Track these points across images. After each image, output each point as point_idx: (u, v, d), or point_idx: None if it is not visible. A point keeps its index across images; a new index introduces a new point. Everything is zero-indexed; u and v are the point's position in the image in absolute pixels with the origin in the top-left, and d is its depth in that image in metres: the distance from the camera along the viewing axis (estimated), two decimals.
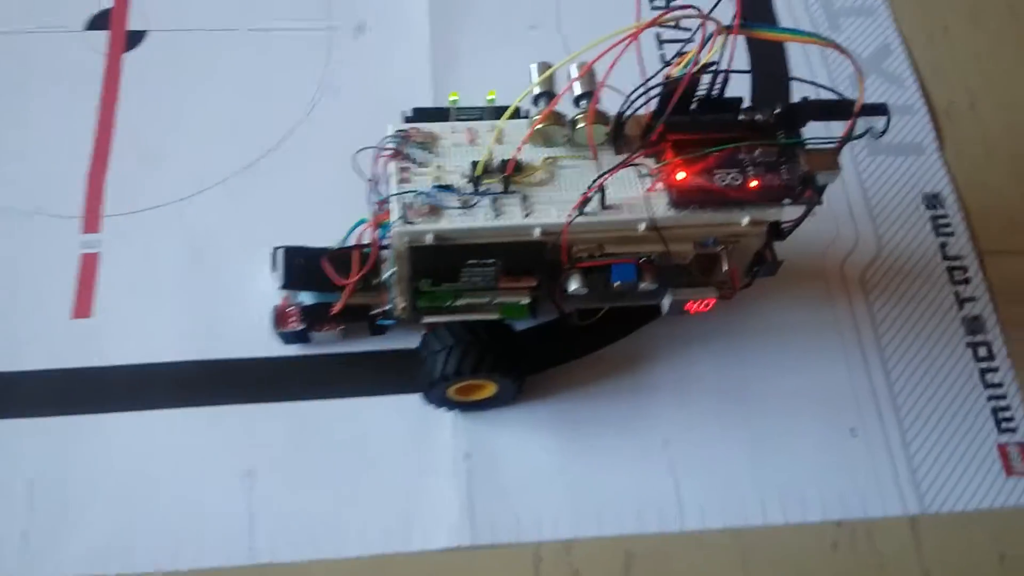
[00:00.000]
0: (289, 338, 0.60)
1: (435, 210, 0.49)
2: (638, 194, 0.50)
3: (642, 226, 0.50)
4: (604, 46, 0.44)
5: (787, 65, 0.78)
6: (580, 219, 0.50)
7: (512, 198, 0.50)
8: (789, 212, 0.54)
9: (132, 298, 0.64)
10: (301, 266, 0.58)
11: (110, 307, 0.63)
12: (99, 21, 0.75)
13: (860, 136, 0.52)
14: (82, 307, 0.63)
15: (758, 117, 0.52)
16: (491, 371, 0.55)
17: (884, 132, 0.52)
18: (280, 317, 0.59)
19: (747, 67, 0.76)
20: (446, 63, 0.75)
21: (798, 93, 0.52)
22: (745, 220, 0.51)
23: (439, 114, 0.53)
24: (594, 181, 0.49)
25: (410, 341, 0.60)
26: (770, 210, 0.51)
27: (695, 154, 0.51)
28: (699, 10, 0.44)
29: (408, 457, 0.60)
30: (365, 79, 0.74)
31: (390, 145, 0.51)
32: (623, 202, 0.50)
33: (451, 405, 0.59)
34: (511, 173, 0.49)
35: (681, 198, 0.50)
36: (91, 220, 0.66)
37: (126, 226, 0.66)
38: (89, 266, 0.64)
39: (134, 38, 0.75)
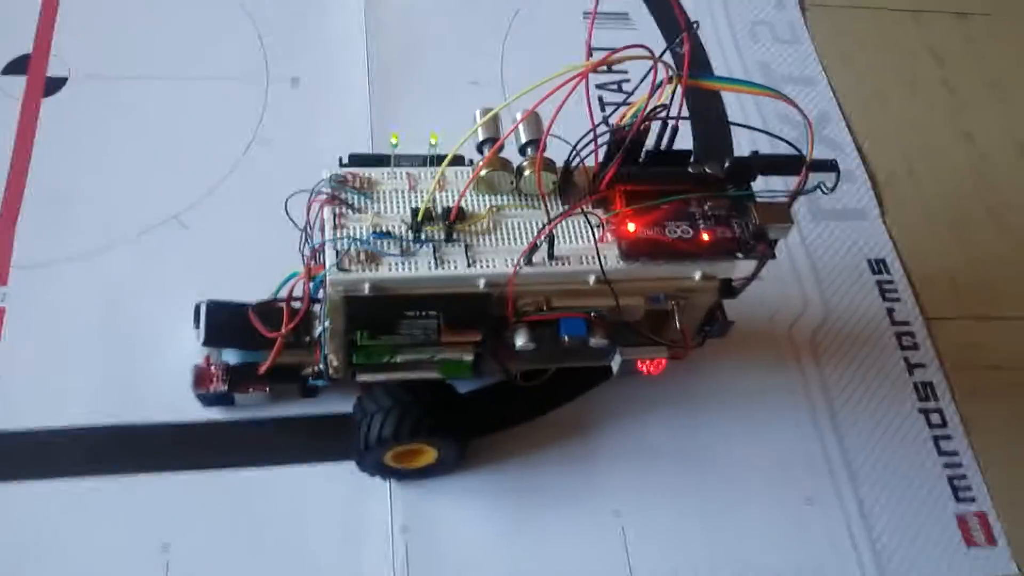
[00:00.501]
0: (211, 400, 0.56)
1: (373, 257, 0.46)
2: (587, 245, 0.48)
3: (592, 278, 0.48)
4: (551, 86, 0.42)
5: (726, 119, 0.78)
6: (527, 270, 0.47)
7: (455, 247, 0.47)
8: (741, 268, 0.52)
9: (38, 356, 0.59)
10: (225, 321, 0.54)
11: (14, 365, 0.58)
12: (16, 66, 0.72)
13: (811, 191, 0.51)
14: None
15: (707, 170, 0.51)
16: (431, 435, 0.51)
17: (834, 188, 0.51)
18: (201, 377, 0.55)
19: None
20: (385, 116, 0.74)
21: (746, 145, 0.51)
22: (697, 275, 0.49)
23: (378, 160, 0.51)
24: (543, 228, 0.46)
25: (343, 405, 0.56)
26: (723, 264, 0.50)
27: (646, 204, 0.49)
28: (651, 51, 0.43)
29: (341, 531, 0.55)
30: (300, 131, 0.72)
31: (325, 189, 0.48)
32: (572, 253, 0.48)
33: (388, 473, 0.55)
34: (454, 220, 0.47)
35: (632, 250, 0.48)
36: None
37: (35, 279, 0.61)
38: None
39: (54, 84, 0.72)
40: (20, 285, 0.61)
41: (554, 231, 0.47)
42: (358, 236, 0.46)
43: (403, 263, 0.46)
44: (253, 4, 0.79)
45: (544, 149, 0.47)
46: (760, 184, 0.52)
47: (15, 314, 0.60)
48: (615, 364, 0.54)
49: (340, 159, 0.51)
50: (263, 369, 0.54)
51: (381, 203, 0.48)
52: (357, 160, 0.51)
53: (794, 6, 0.90)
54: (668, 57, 0.45)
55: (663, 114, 0.47)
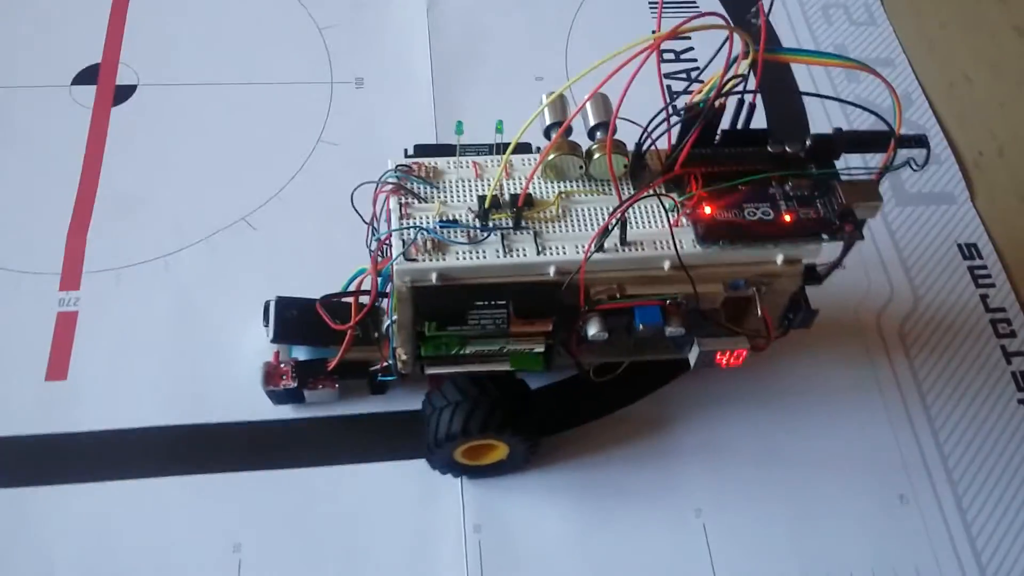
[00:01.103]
0: (281, 397, 0.55)
1: (440, 246, 0.45)
2: (662, 230, 0.46)
3: (667, 264, 0.46)
4: (620, 61, 0.40)
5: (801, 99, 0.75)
6: (599, 256, 0.45)
7: (524, 234, 0.46)
8: (826, 251, 0.49)
9: (111, 359, 0.59)
10: (294, 318, 0.53)
11: (87, 368, 0.58)
12: (86, 75, 0.73)
13: (899, 167, 0.48)
14: (56, 369, 0.58)
15: (788, 149, 0.48)
16: (501, 430, 0.50)
17: (925, 164, 0.48)
18: (271, 374, 0.54)
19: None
20: (450, 114, 0.73)
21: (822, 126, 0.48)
22: (779, 258, 0.47)
23: (443, 150, 0.50)
24: (615, 211, 0.45)
25: (414, 402, 0.55)
26: (807, 246, 0.47)
27: (722, 186, 0.47)
28: (727, 19, 0.41)
29: (413, 530, 0.54)
30: (365, 131, 0.72)
31: (391, 180, 0.47)
32: (645, 238, 0.46)
33: (458, 470, 0.54)
34: (522, 206, 0.45)
35: (709, 233, 0.46)
36: (70, 277, 0.62)
37: (107, 283, 0.62)
38: (66, 325, 0.60)
39: (123, 92, 0.73)
40: (92, 289, 0.62)
41: (626, 216, 0.46)
42: (424, 225, 0.45)
43: (471, 251, 0.45)
44: (315, 7, 0.79)
45: (614, 131, 0.45)
46: (841, 164, 0.49)
47: (88, 318, 0.60)
48: (693, 356, 0.51)
49: (405, 150, 0.50)
50: (332, 365, 0.53)
51: (447, 192, 0.47)
52: (422, 150, 0.50)
53: None
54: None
55: (740, 88, 0.45)
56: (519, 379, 0.53)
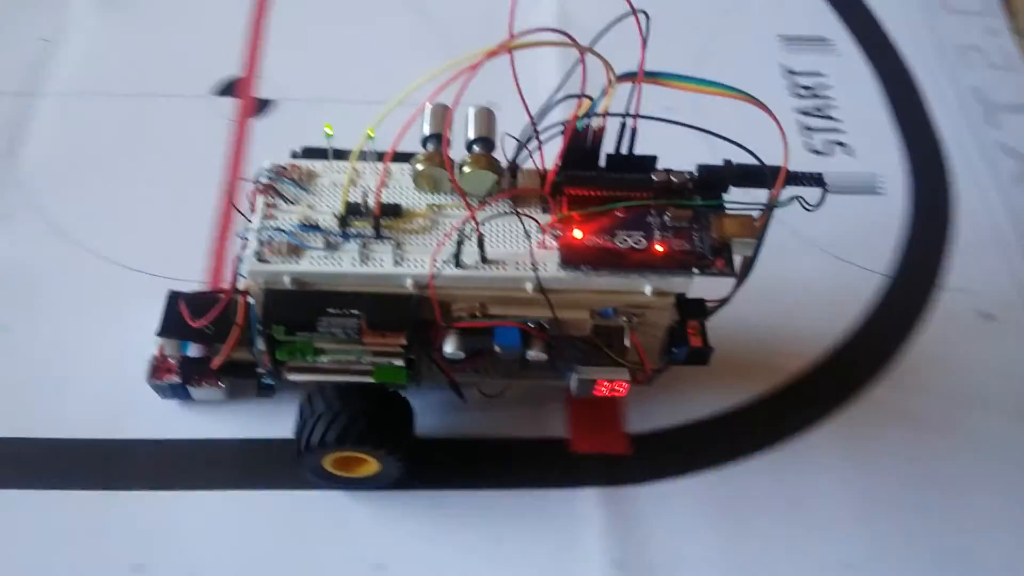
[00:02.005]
0: (166, 392, 0.55)
1: (296, 250, 0.45)
2: (525, 250, 0.45)
3: (529, 286, 0.45)
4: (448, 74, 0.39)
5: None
6: (456, 272, 0.44)
7: (384, 244, 0.45)
8: (703, 285, 0.48)
9: None
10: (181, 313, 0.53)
11: None
12: (228, 88, 0.75)
13: (785, 204, 0.46)
14: None
15: (673, 178, 0.47)
16: (361, 443, 0.49)
17: (819, 205, 0.46)
18: (155, 368, 0.54)
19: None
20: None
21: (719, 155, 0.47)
22: (648, 289, 0.45)
23: (335, 155, 0.49)
24: (452, 227, 0.44)
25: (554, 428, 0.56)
26: (675, 279, 0.45)
27: (592, 210, 0.46)
28: (569, 36, 0.39)
29: (549, 561, 0.53)
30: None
31: (263, 179, 0.47)
32: (509, 257, 0.45)
33: (331, 480, 0.53)
34: (379, 215, 0.45)
35: (571, 257, 0.45)
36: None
37: None
38: None
39: (262, 105, 0.74)
40: None
41: (483, 233, 0.45)
42: (283, 227, 0.45)
43: (327, 258, 0.45)
44: (447, 28, 0.79)
45: (448, 144, 0.45)
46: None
47: None
48: (572, 384, 0.50)
49: (293, 151, 0.50)
50: (215, 364, 0.53)
51: (318, 196, 0.47)
52: (309, 153, 0.50)
53: (1005, 32, 0.85)
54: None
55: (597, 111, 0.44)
56: (395, 393, 0.52)
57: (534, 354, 0.46)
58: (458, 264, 0.44)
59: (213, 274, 0.63)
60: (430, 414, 0.57)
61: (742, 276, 0.48)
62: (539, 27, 0.38)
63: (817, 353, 0.63)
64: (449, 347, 0.46)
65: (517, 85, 0.43)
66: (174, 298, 0.54)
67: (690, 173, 0.47)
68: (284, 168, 0.47)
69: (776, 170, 0.45)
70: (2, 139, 0.70)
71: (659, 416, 0.59)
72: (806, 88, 0.80)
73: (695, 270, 0.45)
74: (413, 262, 0.45)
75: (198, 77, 0.75)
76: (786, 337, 0.63)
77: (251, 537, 0.53)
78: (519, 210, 0.45)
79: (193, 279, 0.62)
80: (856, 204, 0.72)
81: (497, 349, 0.46)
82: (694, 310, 0.50)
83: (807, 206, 0.46)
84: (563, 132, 0.45)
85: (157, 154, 0.70)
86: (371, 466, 0.52)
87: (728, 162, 0.47)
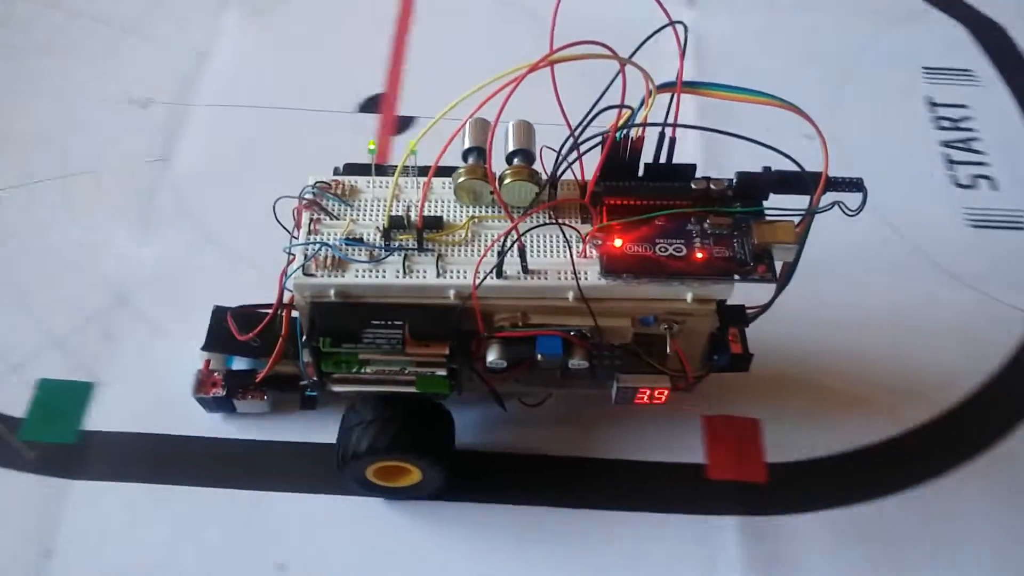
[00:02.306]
0: (211, 406, 0.56)
1: (340, 264, 0.45)
2: (567, 259, 0.45)
3: (570, 295, 0.45)
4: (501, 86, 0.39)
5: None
6: (498, 283, 0.45)
7: (426, 256, 0.46)
8: (753, 293, 0.48)
9: None
10: (227, 328, 0.54)
11: None
12: (370, 104, 0.77)
13: (826, 210, 0.46)
14: None
15: (712, 186, 0.47)
16: (405, 452, 0.50)
17: (859, 210, 0.46)
18: (201, 382, 0.55)
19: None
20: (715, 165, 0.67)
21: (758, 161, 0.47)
22: (689, 296, 0.46)
23: (377, 171, 0.50)
24: (497, 237, 0.44)
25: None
26: (716, 286, 0.45)
27: (633, 219, 0.46)
28: (611, 49, 0.40)
29: None
30: None
31: (307, 195, 0.48)
32: (550, 267, 0.45)
33: (373, 490, 0.54)
34: (422, 228, 0.45)
35: (613, 265, 0.45)
36: None
37: None
38: None
39: (403, 123, 0.75)
40: None
41: (528, 243, 0.45)
42: (327, 242, 0.46)
43: (371, 270, 0.45)
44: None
45: (491, 157, 0.45)
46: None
47: None
48: (613, 391, 0.50)
49: (336, 168, 0.51)
50: (260, 377, 0.54)
51: (361, 211, 0.48)
52: (350, 169, 0.51)
53: None
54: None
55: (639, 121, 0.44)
56: (438, 404, 0.52)
57: (576, 362, 0.47)
58: (500, 275, 0.45)
59: None
60: (559, 429, 0.58)
61: (783, 282, 0.48)
62: (581, 40, 0.39)
63: (965, 389, 0.62)
64: (491, 356, 0.46)
65: (558, 98, 0.43)
66: (220, 313, 0.55)
67: (729, 181, 0.47)
68: (328, 184, 0.48)
69: (815, 176, 0.45)
70: (159, 146, 0.73)
71: (799, 446, 0.58)
72: (949, 120, 0.79)
73: (736, 276, 0.45)
74: (455, 273, 0.45)
75: (342, 93, 0.77)
76: (932, 372, 0.62)
77: (387, 542, 0.54)
78: (559, 220, 0.46)
79: None
80: (1001, 239, 0.71)
81: (539, 358, 0.46)
82: (735, 317, 0.50)
83: (848, 211, 0.46)
84: (602, 143, 0.45)
85: (303, 166, 0.70)
86: (413, 476, 0.52)
87: (767, 169, 0.47)
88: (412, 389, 0.49)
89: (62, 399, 0.59)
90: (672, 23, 0.43)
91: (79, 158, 0.72)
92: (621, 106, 0.44)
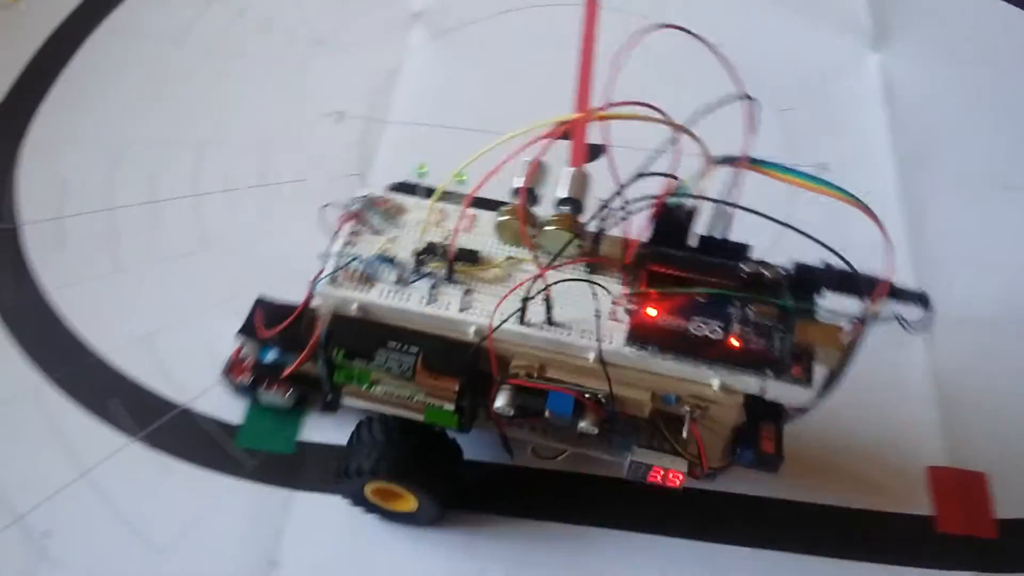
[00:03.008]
0: (236, 390, 0.57)
1: (368, 280, 0.45)
2: (594, 318, 0.44)
3: (591, 356, 0.43)
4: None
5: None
6: (519, 329, 0.44)
7: (454, 289, 0.45)
8: (787, 391, 0.45)
9: None
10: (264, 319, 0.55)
11: None
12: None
13: (882, 320, 0.42)
14: None
15: (765, 272, 0.44)
16: (393, 478, 0.49)
17: (924, 328, 0.43)
18: (231, 366, 0.56)
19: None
20: (917, 217, 0.70)
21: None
22: (716, 382, 0.43)
23: (425, 193, 0.50)
24: (531, 283, 0.43)
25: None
26: (746, 378, 0.43)
27: (675, 290, 0.44)
28: (664, 113, 0.38)
29: None
30: (830, 218, 0.68)
31: (354, 207, 0.48)
32: (575, 323, 0.44)
33: (370, 508, 0.53)
34: (453, 259, 0.45)
35: (639, 334, 0.43)
36: None
37: None
38: None
39: (594, 151, 0.74)
40: None
41: (559, 295, 0.44)
42: (361, 256, 0.45)
43: (396, 292, 0.45)
44: (771, 90, 0.76)
45: (537, 200, 0.44)
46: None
47: None
48: (625, 464, 0.48)
49: (390, 185, 0.51)
50: (286, 373, 0.54)
51: (402, 231, 0.47)
52: (403, 188, 0.50)
53: None
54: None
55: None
56: (449, 438, 0.51)
57: (585, 426, 0.45)
58: (523, 321, 0.44)
59: None
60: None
61: (826, 388, 0.45)
62: (634, 101, 0.37)
63: None
64: (500, 401, 0.45)
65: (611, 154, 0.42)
66: (258, 304, 0.55)
67: (785, 269, 0.45)
68: (376, 199, 0.48)
69: (875, 281, 0.42)
70: (356, 160, 0.74)
71: None
72: None
73: (769, 372, 0.42)
74: (479, 311, 0.44)
75: (530, 117, 0.74)
76: None
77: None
78: (593, 277, 0.44)
79: None
80: None
81: (547, 414, 0.44)
82: (769, 413, 0.47)
83: (907, 327, 0.43)
84: (653, 206, 0.43)
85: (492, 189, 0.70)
86: (409, 503, 0.51)
87: (828, 265, 0.44)
88: (419, 417, 0.48)
89: (278, 408, 0.59)
90: (743, 97, 0.41)
91: (279, 167, 0.73)
92: (666, 174, 0.42)
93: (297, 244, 0.65)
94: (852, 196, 0.41)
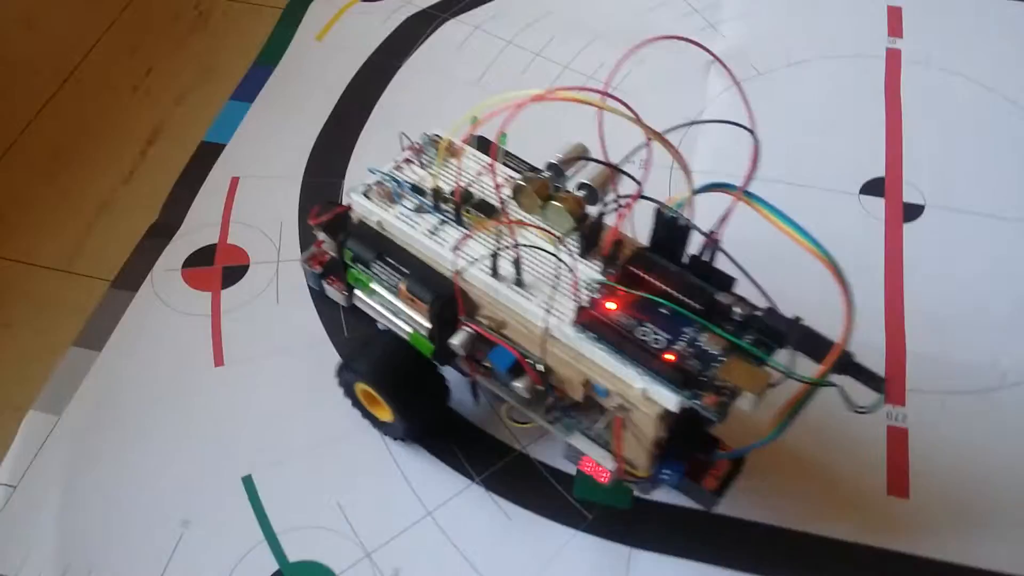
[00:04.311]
0: (308, 278, 0.63)
1: (393, 201, 0.51)
2: (555, 292, 0.46)
3: (539, 324, 0.46)
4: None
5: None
6: (485, 279, 0.47)
7: (457, 231, 0.49)
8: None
9: (949, 487, 0.58)
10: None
11: (928, 491, 0.58)
12: (872, 187, 0.75)
13: (825, 386, 0.41)
14: (896, 485, 0.58)
15: (737, 309, 0.44)
16: (374, 385, 0.55)
17: (867, 411, 0.41)
18: (311, 256, 0.61)
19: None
20: None
21: None
22: (638, 385, 0.44)
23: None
24: (501, 238, 0.47)
25: None
26: (661, 389, 0.43)
27: (641, 294, 0.45)
28: (631, 110, 0.40)
29: None
30: None
31: (419, 141, 0.54)
32: (536, 293, 0.47)
33: (358, 406, 0.59)
34: (460, 202, 0.49)
35: (588, 319, 0.45)
36: (894, 391, 0.62)
37: (932, 406, 0.61)
38: (898, 441, 0.60)
39: (911, 211, 0.73)
40: (917, 409, 0.61)
41: (533, 265, 0.47)
42: (397, 178, 0.52)
43: (409, 218, 0.50)
44: None
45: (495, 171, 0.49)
46: None
47: (918, 437, 0.60)
48: (563, 444, 0.50)
49: (472, 138, 0.55)
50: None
51: (447, 172, 0.52)
52: (475, 141, 0.55)
53: None
54: None
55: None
56: (439, 373, 0.57)
57: (519, 388, 0.47)
58: (495, 274, 0.47)
59: (891, 379, 0.62)
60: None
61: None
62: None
63: None
64: (455, 339, 0.49)
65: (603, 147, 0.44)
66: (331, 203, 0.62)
67: (759, 311, 0.44)
68: (438, 140, 0.54)
69: (832, 348, 0.41)
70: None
71: None
72: None
73: (677, 388, 0.42)
74: (467, 255, 0.48)
75: (845, 174, 0.75)
76: None
77: None
78: (560, 255, 0.47)
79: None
80: None
81: (487, 364, 0.48)
82: (702, 445, 0.47)
83: (853, 406, 0.42)
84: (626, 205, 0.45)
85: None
86: (386, 413, 0.57)
87: (797, 319, 0.44)
88: (407, 332, 0.53)
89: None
90: (747, 128, 0.41)
91: None
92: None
93: None
94: (827, 256, 0.41)
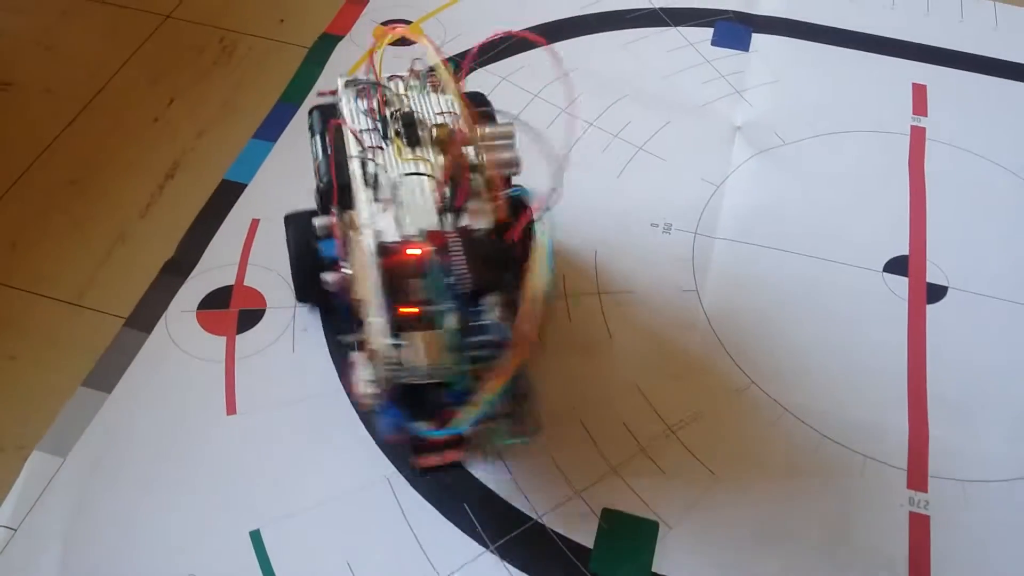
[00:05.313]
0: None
1: (360, 100, 0.58)
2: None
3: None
4: None
5: None
6: (357, 174, 0.54)
7: (384, 144, 0.55)
8: None
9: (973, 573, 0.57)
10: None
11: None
12: (896, 266, 0.74)
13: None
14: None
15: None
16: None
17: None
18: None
19: None
20: None
21: None
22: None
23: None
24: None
25: None
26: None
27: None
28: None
29: None
30: None
31: (415, 67, 0.60)
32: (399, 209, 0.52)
33: None
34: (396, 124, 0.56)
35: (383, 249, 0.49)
36: (916, 476, 0.61)
37: (954, 494, 0.60)
38: (919, 528, 0.59)
39: (935, 292, 0.72)
40: (940, 496, 0.60)
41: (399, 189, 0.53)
42: (377, 82, 0.58)
43: (357, 121, 0.57)
44: None
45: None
46: None
47: (939, 526, 0.59)
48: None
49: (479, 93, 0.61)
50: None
51: (423, 100, 0.58)
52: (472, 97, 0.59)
53: None
54: None
55: None
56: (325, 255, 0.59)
57: (328, 280, 0.57)
58: (376, 196, 0.53)
59: (914, 465, 0.62)
60: None
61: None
62: None
63: None
64: (319, 221, 0.57)
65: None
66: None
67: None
68: (432, 74, 0.58)
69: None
70: (686, 274, 0.72)
71: None
72: None
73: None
74: (372, 153, 0.55)
75: (869, 251, 0.74)
76: None
77: None
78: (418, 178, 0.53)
79: (896, 465, 0.62)
80: None
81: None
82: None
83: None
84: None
85: (834, 319, 0.70)
86: None
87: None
88: None
89: (628, 535, 0.58)
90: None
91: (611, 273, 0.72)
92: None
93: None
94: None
